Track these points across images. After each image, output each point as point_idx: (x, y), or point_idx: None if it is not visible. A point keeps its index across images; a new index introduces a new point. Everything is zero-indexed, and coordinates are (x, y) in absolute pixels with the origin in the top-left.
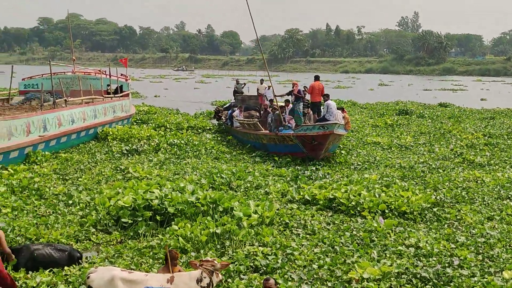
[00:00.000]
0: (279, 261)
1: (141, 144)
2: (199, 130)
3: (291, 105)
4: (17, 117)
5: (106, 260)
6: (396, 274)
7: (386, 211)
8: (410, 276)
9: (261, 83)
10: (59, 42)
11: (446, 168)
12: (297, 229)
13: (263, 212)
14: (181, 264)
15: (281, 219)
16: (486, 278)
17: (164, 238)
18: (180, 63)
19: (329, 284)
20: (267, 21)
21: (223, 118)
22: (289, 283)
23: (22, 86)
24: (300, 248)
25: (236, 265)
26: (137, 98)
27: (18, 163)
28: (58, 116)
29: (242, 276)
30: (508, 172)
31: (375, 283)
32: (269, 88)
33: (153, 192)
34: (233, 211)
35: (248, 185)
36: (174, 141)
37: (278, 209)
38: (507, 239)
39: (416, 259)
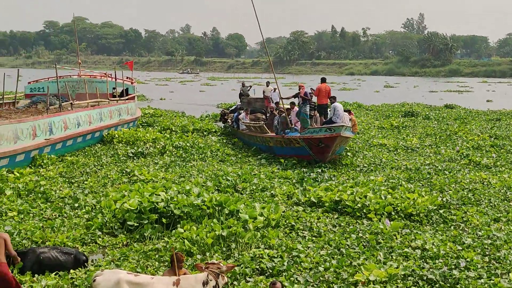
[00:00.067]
0: (285, 263)
1: (147, 147)
2: (205, 133)
3: (296, 108)
4: (23, 121)
5: (112, 263)
6: (402, 276)
7: (392, 213)
8: (417, 278)
9: (267, 86)
10: (65, 46)
11: (452, 170)
12: (303, 232)
13: (269, 214)
14: (186, 266)
15: (287, 221)
16: (493, 280)
17: (170, 241)
18: (186, 66)
19: (335, 286)
20: (272, 23)
21: (229, 121)
22: (295, 285)
23: (28, 90)
24: (306, 250)
25: (242, 267)
26: (143, 101)
27: (24, 167)
28: (64, 119)
29: (248, 279)
30: None
31: (382, 285)
32: (275, 91)
33: (159, 195)
34: (239, 214)
35: (254, 187)
36: (180, 144)
37: (284, 212)
38: None
39: (423, 261)
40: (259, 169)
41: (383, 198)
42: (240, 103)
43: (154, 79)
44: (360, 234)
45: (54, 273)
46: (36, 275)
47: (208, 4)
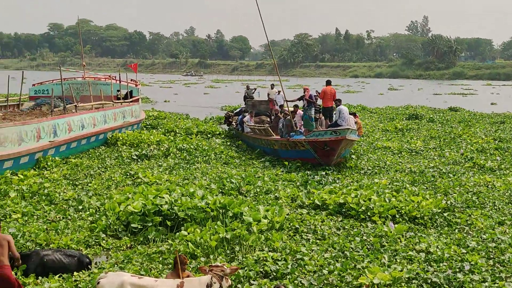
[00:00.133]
0: (289, 266)
1: (151, 149)
2: (209, 135)
3: (299, 111)
4: (28, 123)
5: (116, 265)
6: (406, 279)
7: (397, 216)
8: (421, 281)
9: (272, 88)
10: (69, 48)
11: (457, 173)
12: (307, 234)
13: (273, 217)
14: (190, 269)
15: (291, 224)
16: (497, 284)
17: (173, 243)
18: (190, 68)
19: None
20: (276, 26)
21: (234, 124)
22: None
23: (33, 92)
24: (310, 253)
25: (245, 270)
26: (147, 103)
27: (28, 169)
28: (68, 122)
29: (251, 282)
30: None
31: None
32: (279, 93)
33: (163, 197)
34: (243, 216)
35: (258, 190)
36: (184, 146)
37: (288, 214)
38: None
39: (427, 264)
40: (263, 171)
41: (387, 201)
42: (244, 106)
43: (158, 81)
44: (364, 237)
45: (57, 276)
46: (39, 277)
47: (212, 7)
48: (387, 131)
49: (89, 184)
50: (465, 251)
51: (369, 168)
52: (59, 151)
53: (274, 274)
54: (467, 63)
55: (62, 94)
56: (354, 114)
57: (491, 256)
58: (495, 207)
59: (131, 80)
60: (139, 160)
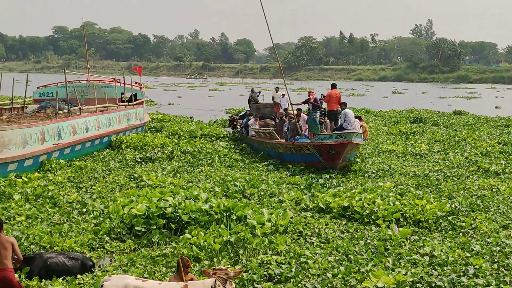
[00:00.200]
0: (293, 270)
1: (155, 152)
2: (213, 138)
3: (303, 114)
4: (32, 125)
5: (119, 268)
6: (410, 283)
7: (401, 219)
8: (425, 285)
9: (276, 91)
10: (74, 51)
11: (461, 176)
12: (311, 238)
13: (277, 220)
14: (194, 272)
15: (295, 227)
16: (502, 287)
17: (177, 246)
18: (194, 71)
19: None
20: (280, 29)
21: (238, 127)
22: None
23: (37, 95)
24: (314, 256)
25: (249, 273)
26: (151, 106)
27: (33, 171)
28: (72, 124)
29: (255, 285)
30: None
31: None
32: (283, 96)
33: (167, 200)
34: (247, 219)
35: (262, 193)
36: (188, 149)
37: (292, 218)
38: None
39: (431, 268)
40: (267, 174)
41: (392, 204)
42: (249, 109)
43: (162, 84)
44: (369, 241)
45: (61, 278)
46: (43, 280)
47: (217, 10)
48: (392, 134)
49: (93, 187)
50: (470, 255)
51: (373, 171)
52: (64, 154)
53: (278, 277)
54: (471, 67)
55: (67, 96)
56: (359, 118)
57: (496, 260)
58: (500, 211)
59: (136, 83)
60: (143, 163)
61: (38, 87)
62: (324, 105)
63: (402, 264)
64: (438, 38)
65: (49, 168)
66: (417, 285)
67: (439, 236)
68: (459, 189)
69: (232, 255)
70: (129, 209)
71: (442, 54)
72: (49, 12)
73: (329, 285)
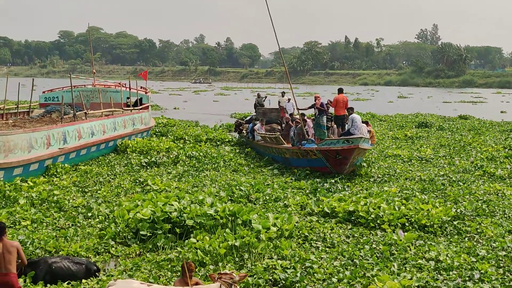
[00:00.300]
0: (298, 274)
1: (160, 157)
2: (218, 143)
3: (308, 120)
4: (37, 130)
5: (125, 272)
6: (416, 287)
7: (406, 224)
8: None
9: (282, 96)
10: (80, 55)
11: (467, 181)
12: (316, 242)
13: (282, 225)
14: (199, 276)
15: (300, 232)
16: None
17: (182, 251)
18: (199, 76)
19: None
20: (286, 34)
21: (244, 132)
22: None
23: (43, 99)
24: (320, 261)
25: (255, 278)
26: (156, 110)
27: (38, 176)
28: (78, 129)
29: None
30: None
31: None
32: (289, 101)
33: (172, 205)
34: (252, 224)
35: (267, 197)
36: (193, 154)
37: (297, 222)
38: None
39: (437, 273)
40: (272, 179)
41: (397, 209)
42: (255, 114)
43: (168, 88)
44: (374, 245)
45: (66, 283)
46: (48, 285)
47: (222, 15)
48: (397, 139)
49: (99, 191)
50: (475, 260)
51: (379, 176)
52: (69, 158)
53: (283, 282)
54: (476, 71)
55: (72, 101)
56: (366, 123)
57: (501, 264)
58: (505, 216)
59: (141, 87)
60: (148, 167)
61: (43, 92)
62: (331, 110)
63: (408, 269)
64: (443, 42)
65: (55, 173)
66: None
67: (444, 241)
68: (465, 194)
69: (237, 259)
70: (134, 213)
71: (447, 58)
72: (55, 17)
73: None
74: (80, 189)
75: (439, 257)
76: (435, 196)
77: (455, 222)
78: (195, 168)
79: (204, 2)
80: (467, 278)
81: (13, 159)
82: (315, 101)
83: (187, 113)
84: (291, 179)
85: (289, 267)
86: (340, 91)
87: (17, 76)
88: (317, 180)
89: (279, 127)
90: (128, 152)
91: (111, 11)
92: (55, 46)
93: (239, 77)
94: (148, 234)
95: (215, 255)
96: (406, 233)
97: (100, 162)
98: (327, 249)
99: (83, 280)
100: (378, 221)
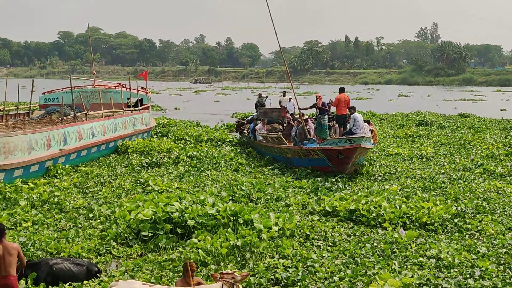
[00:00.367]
0: (300, 273)
1: (161, 157)
2: (219, 142)
3: (308, 119)
4: (38, 131)
5: (126, 273)
6: (417, 285)
7: (407, 222)
8: (432, 287)
9: (284, 95)
10: (79, 56)
11: (467, 179)
12: (317, 241)
13: (283, 224)
14: (201, 276)
15: (302, 231)
16: None
17: (184, 251)
18: (200, 76)
19: None
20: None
21: (245, 132)
22: None
23: (43, 100)
24: (321, 260)
25: (256, 277)
26: (157, 111)
27: (39, 177)
28: (78, 130)
29: None
30: None
31: None
32: (290, 100)
33: (173, 205)
34: (254, 223)
35: (268, 197)
36: (194, 154)
37: (298, 221)
38: None
39: (438, 270)
40: (273, 178)
41: (398, 207)
42: (256, 114)
43: (168, 89)
44: (375, 244)
45: (67, 284)
46: (49, 287)
47: (223, 15)
48: (398, 138)
49: (100, 192)
50: (476, 257)
51: (380, 174)
52: (69, 159)
53: (285, 281)
54: (476, 69)
55: (72, 102)
56: (368, 122)
57: (502, 261)
58: (506, 213)
59: (141, 88)
60: (149, 167)
61: (43, 93)
62: (332, 109)
63: (409, 267)
64: (443, 41)
65: (55, 174)
66: (424, 287)
67: (445, 239)
68: (465, 192)
69: (239, 259)
70: (135, 214)
71: (447, 57)
72: (54, 17)
73: None
74: (81, 190)
75: (440, 254)
76: (435, 194)
77: (455, 220)
78: (196, 168)
79: (204, 2)
80: (468, 276)
81: (13, 161)
82: (316, 100)
83: (187, 113)
84: (292, 178)
85: (290, 266)
86: (342, 90)
87: (16, 77)
88: (318, 179)
89: (281, 127)
90: (129, 153)
91: (110, 11)
92: (55, 47)
93: (240, 77)
94: (150, 235)
95: (216, 255)
96: (407, 231)
97: (101, 163)
98: (329, 248)
99: (85, 282)
100: (379, 220)
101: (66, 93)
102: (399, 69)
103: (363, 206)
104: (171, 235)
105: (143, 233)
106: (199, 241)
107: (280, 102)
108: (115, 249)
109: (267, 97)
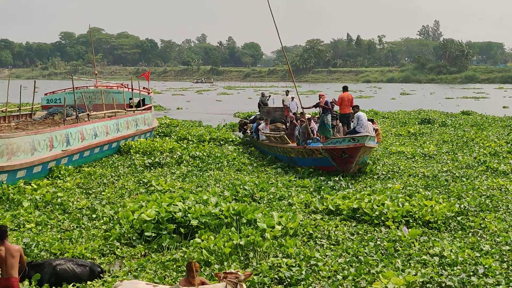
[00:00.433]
0: (303, 272)
1: (164, 157)
2: (221, 142)
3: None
4: (40, 132)
5: (129, 273)
6: (421, 283)
7: (410, 220)
8: (435, 285)
9: (287, 94)
10: (81, 57)
11: (470, 177)
12: (321, 240)
13: (286, 223)
14: (204, 276)
15: (305, 230)
16: (511, 287)
17: (187, 251)
18: (202, 76)
19: None
20: (288, 32)
21: (248, 131)
22: None
23: (45, 101)
24: (324, 259)
25: (260, 277)
26: (159, 111)
27: (42, 178)
28: (81, 131)
29: None
30: None
31: None
32: (293, 100)
33: (177, 205)
34: (257, 223)
35: (271, 196)
36: (196, 154)
37: (301, 220)
38: None
39: (441, 268)
40: (276, 178)
41: (401, 205)
42: (259, 113)
43: (170, 89)
44: (378, 242)
45: (71, 285)
46: (53, 287)
47: (224, 14)
48: (400, 136)
49: (103, 193)
50: (479, 255)
51: (383, 173)
52: (72, 160)
53: (289, 280)
54: (479, 67)
55: (75, 103)
56: (372, 121)
57: (505, 259)
58: (509, 210)
59: (144, 88)
60: (152, 168)
61: (45, 94)
62: (336, 108)
63: (412, 265)
64: (445, 39)
65: (58, 175)
66: (427, 285)
67: (448, 237)
68: (468, 189)
69: (242, 258)
70: (138, 214)
71: (449, 54)
72: (55, 18)
73: (340, 287)
74: (84, 191)
75: (443, 252)
76: (438, 192)
77: (458, 218)
78: (199, 168)
79: (204, 2)
80: (471, 273)
81: (16, 162)
82: (319, 99)
83: (190, 113)
84: (295, 177)
85: (294, 265)
86: (345, 89)
87: (18, 79)
88: (321, 178)
89: (284, 126)
90: (132, 153)
91: (112, 11)
92: (56, 48)
93: (242, 76)
94: (153, 235)
95: (220, 255)
96: (410, 230)
97: (103, 164)
98: (332, 246)
99: (89, 282)
100: (382, 218)
101: (68, 94)
102: (401, 67)
103: (366, 205)
104: (174, 235)
105: (146, 233)
106: (202, 240)
107: (283, 101)
108: (118, 250)
109: (269, 96)
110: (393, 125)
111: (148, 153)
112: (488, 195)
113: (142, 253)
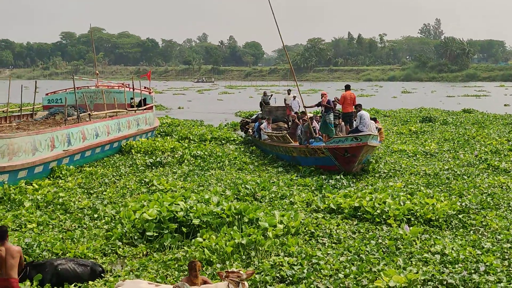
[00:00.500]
0: (305, 271)
1: (165, 157)
2: (223, 141)
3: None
4: (41, 132)
5: (131, 273)
6: (422, 281)
7: (412, 218)
8: (437, 283)
9: (289, 94)
10: (82, 56)
11: (471, 175)
12: (322, 238)
13: (288, 222)
14: (206, 275)
15: (307, 228)
16: None
17: (189, 250)
18: (203, 75)
19: None
20: (289, 31)
21: (250, 131)
22: None
23: (46, 101)
24: (326, 257)
25: (262, 275)
26: (161, 110)
27: (43, 178)
28: (82, 130)
29: (268, 287)
30: None
31: None
32: (294, 99)
33: (178, 204)
34: (258, 222)
35: (273, 195)
36: (198, 153)
37: (303, 219)
38: None
39: (442, 266)
40: (277, 177)
41: (402, 204)
42: (261, 112)
43: (171, 88)
44: (380, 240)
45: (73, 285)
46: (55, 287)
47: (225, 13)
48: (402, 134)
49: (104, 193)
50: (480, 252)
51: (384, 171)
52: (74, 160)
53: (290, 278)
54: (480, 65)
55: (76, 102)
56: (374, 119)
57: (506, 256)
58: (510, 208)
59: (145, 87)
60: (153, 167)
61: (46, 94)
62: (338, 107)
63: (414, 263)
64: (446, 37)
65: (59, 175)
66: (429, 283)
67: (450, 234)
68: (469, 187)
69: (244, 257)
70: (140, 214)
71: (450, 53)
72: (56, 18)
73: (341, 285)
74: (86, 191)
75: (445, 250)
76: (440, 190)
77: (460, 216)
78: (200, 168)
79: (206, 1)
80: (472, 271)
81: (17, 162)
82: (321, 98)
83: (191, 113)
84: (297, 176)
85: (296, 263)
86: (347, 87)
87: (19, 79)
88: (323, 176)
89: (286, 126)
90: (133, 153)
91: (112, 11)
92: (57, 48)
93: (243, 76)
94: (155, 234)
95: (222, 254)
96: (411, 228)
97: (105, 163)
98: (334, 245)
99: (90, 282)
100: (384, 216)
101: (70, 94)
102: (402, 65)
103: (368, 203)
104: (176, 235)
105: (148, 232)
106: (204, 240)
107: (285, 100)
108: (120, 249)
109: (271, 95)
110: (395, 124)
111: (150, 152)
112: (489, 193)
113: (144, 252)
